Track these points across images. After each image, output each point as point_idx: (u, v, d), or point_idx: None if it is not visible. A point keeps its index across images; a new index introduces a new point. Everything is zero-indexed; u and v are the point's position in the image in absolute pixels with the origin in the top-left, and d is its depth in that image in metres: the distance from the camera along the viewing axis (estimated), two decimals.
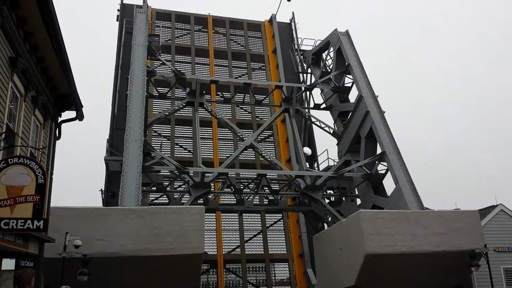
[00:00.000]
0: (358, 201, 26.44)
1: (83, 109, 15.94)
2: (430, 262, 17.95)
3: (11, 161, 9.93)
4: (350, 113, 26.67)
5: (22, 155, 11.07)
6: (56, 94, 15.04)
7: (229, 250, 30.18)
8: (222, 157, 31.49)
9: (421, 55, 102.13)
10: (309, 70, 32.84)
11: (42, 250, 13.32)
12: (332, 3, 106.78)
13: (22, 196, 9.82)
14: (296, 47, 34.22)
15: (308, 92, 30.13)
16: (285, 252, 30.62)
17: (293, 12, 38.03)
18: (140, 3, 32.65)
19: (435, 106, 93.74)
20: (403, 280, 18.31)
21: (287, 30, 37.17)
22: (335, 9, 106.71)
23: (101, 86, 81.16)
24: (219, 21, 37.49)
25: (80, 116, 15.98)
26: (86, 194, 71.76)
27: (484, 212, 22.69)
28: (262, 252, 30.28)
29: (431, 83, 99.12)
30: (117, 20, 33.53)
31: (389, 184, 23.68)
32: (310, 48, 33.40)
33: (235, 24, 37.82)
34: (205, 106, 26.30)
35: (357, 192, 26.63)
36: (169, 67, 27.36)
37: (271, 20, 37.64)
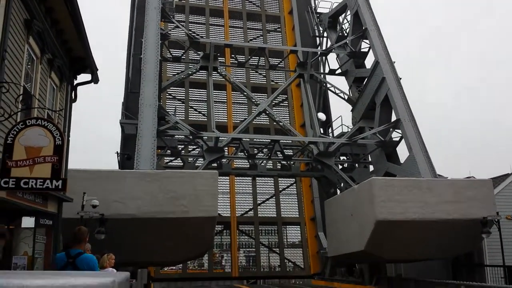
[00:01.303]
0: (371, 168, 26.46)
1: (98, 72, 16.05)
2: (441, 230, 18.07)
3: (29, 122, 10.10)
4: (366, 79, 26.30)
5: (39, 117, 11.26)
6: (71, 57, 15.09)
7: (243, 212, 30.73)
8: (236, 121, 31.59)
9: None
10: (325, 34, 32.19)
11: (61, 210, 13.73)
12: None
13: (41, 156, 10.02)
14: (312, 9, 33.44)
15: (323, 57, 29.70)
16: (297, 216, 31.09)
17: None
18: None
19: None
20: (413, 247, 18.53)
21: None
22: None
23: (115, 49, 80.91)
24: None
25: (95, 79, 16.08)
26: (101, 156, 72.94)
27: (497, 180, 22.55)
28: (275, 215, 30.79)
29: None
30: None
31: (402, 152, 23.64)
32: (326, 10, 32.63)
33: None
34: (219, 70, 26.16)
35: (370, 159, 26.61)
36: (183, 30, 27.10)
37: None
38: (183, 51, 28.18)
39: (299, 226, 31.09)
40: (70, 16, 12.82)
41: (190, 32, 32.38)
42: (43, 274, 2.38)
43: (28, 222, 12.60)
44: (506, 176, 22.92)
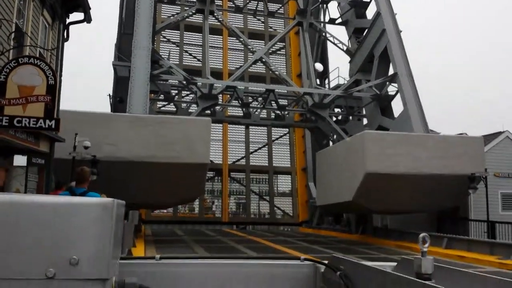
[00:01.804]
0: (365, 121, 26.53)
1: (91, 11, 15.58)
2: (429, 185, 18.38)
3: (21, 60, 9.91)
4: (366, 30, 25.79)
5: (32, 55, 11.02)
6: None
7: (234, 160, 30.99)
8: (231, 68, 31.16)
9: None
10: None
11: (53, 149, 13.74)
12: None
13: (34, 95, 9.93)
14: None
15: (324, 5, 28.94)
16: (289, 166, 31.43)
17: None
18: None
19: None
20: (401, 200, 18.91)
21: None
22: None
23: None
24: None
25: (88, 18, 15.62)
26: (92, 98, 72.17)
27: (489, 138, 22.76)
28: (267, 164, 31.11)
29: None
30: None
31: (397, 106, 23.62)
32: None
33: None
34: (215, 14, 25.45)
35: (364, 112, 26.62)
36: None
37: None
38: None
39: (290, 176, 31.51)
40: None
41: None
42: (48, 195, 2.62)
43: (20, 160, 12.64)
44: (498, 134, 23.13)
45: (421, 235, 2.54)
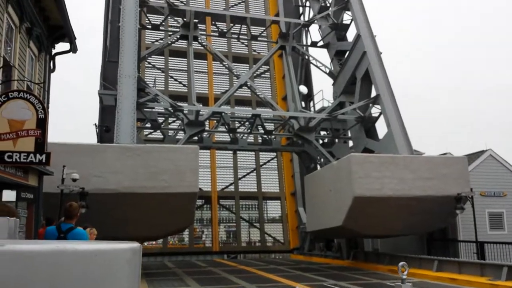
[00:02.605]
0: (351, 143, 26.78)
1: (76, 41, 15.54)
2: (417, 206, 18.54)
3: (11, 95, 9.79)
4: (347, 53, 26.27)
5: (21, 89, 10.90)
6: (49, 25, 14.55)
7: (223, 187, 30.76)
8: (217, 92, 31.25)
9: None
10: (307, 4, 31.81)
11: (41, 183, 13.48)
12: None
13: (24, 130, 9.81)
14: None
15: (305, 28, 29.44)
16: (278, 191, 31.33)
17: None
18: None
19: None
20: (389, 222, 19.01)
21: None
22: None
23: (92, 16, 78.00)
24: None
25: (73, 49, 15.57)
26: (78, 128, 71.26)
27: (472, 157, 23.17)
28: (256, 190, 30.94)
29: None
30: None
31: (381, 128, 23.96)
32: None
33: None
34: (199, 40, 25.64)
35: (350, 134, 26.91)
36: None
37: None
38: (163, 17, 27.38)
39: (279, 201, 31.39)
40: None
41: None
42: (52, 242, 2.61)
43: (9, 195, 12.36)
44: (481, 153, 23.55)
45: (400, 263, 2.59)
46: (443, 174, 19.19)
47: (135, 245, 2.11)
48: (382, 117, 23.46)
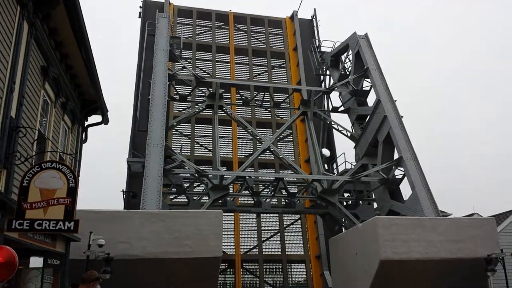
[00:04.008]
0: (375, 205, 26.58)
1: (108, 112, 16.64)
2: (446, 269, 18.08)
3: (44, 165, 10.52)
4: (368, 117, 26.80)
5: (54, 160, 11.68)
6: (83, 99, 15.71)
7: (247, 250, 30.61)
8: (241, 156, 31.94)
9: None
10: (327, 72, 33.04)
11: (68, 249, 13.97)
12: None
13: (55, 198, 10.39)
14: (315, 48, 34.37)
15: (326, 95, 30.36)
16: (302, 253, 30.87)
17: (314, 9, 38.00)
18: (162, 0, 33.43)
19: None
20: (418, 286, 18.47)
21: (308, 27, 37.33)
22: (355, 6, 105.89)
23: (122, 82, 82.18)
24: (240, 18, 37.81)
25: (105, 120, 16.68)
26: (105, 192, 72.83)
27: (501, 217, 22.67)
28: (280, 253, 30.60)
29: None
30: (139, 17, 34.22)
31: (405, 189, 23.82)
32: (329, 50, 33.56)
33: (256, 21, 38.20)
34: (224, 109, 26.79)
35: (374, 196, 26.79)
36: (190, 71, 27.91)
37: (292, 16, 37.92)
38: (190, 88, 28.89)
39: (304, 264, 30.85)
40: (83, 62, 13.46)
41: (196, 68, 33.39)
42: None
43: (36, 262, 12.80)
44: (509, 213, 23.03)
45: None
46: (472, 236, 18.80)
47: None
48: (406, 178, 23.43)
